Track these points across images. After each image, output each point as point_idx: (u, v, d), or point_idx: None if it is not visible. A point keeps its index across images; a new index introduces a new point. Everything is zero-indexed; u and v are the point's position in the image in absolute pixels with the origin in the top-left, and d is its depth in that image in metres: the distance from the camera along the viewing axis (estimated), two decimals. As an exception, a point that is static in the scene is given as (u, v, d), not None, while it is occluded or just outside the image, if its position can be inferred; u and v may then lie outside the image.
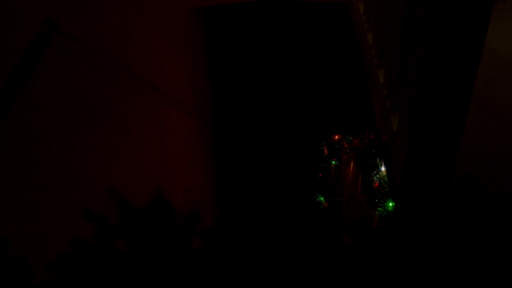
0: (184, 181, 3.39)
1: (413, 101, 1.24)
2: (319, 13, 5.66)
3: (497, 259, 1.34)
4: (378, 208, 2.22)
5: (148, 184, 2.47)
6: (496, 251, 1.36)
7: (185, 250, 2.25)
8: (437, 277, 1.39)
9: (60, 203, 1.51)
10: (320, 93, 6.42)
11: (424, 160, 1.25)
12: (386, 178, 2.28)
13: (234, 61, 6.06)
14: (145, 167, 2.45)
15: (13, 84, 1.26)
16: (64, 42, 1.53)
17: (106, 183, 1.91)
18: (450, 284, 1.36)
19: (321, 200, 6.08)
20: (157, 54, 2.85)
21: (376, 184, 2.27)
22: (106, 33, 1.98)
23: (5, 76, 1.26)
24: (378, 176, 2.32)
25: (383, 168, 2.37)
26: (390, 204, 2.13)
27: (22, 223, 1.30)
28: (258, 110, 6.53)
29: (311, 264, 3.89)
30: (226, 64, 5.91)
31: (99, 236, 1.75)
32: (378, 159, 2.43)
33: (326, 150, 4.50)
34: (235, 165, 6.23)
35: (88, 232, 1.70)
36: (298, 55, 6.32)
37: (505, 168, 1.57)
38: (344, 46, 5.80)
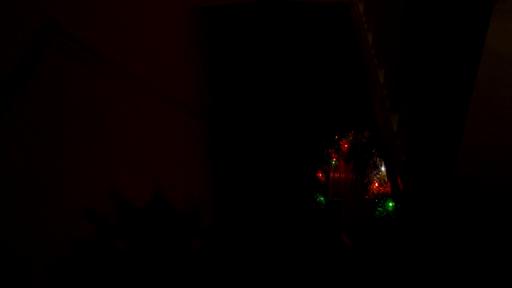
0: (184, 180, 3.39)
1: (413, 101, 1.24)
2: (319, 13, 5.66)
3: (497, 259, 1.34)
4: (378, 208, 2.23)
5: (148, 184, 2.47)
6: (496, 251, 1.36)
7: (185, 250, 2.25)
8: (437, 277, 1.39)
9: (60, 203, 1.51)
10: (320, 93, 6.43)
11: (424, 160, 1.25)
12: (386, 178, 2.28)
13: (234, 61, 6.07)
14: (145, 167, 2.45)
15: (13, 84, 1.26)
16: (64, 42, 1.53)
17: (106, 183, 1.91)
18: (450, 284, 1.36)
19: (321, 200, 6.09)
20: (157, 53, 2.85)
21: (376, 184, 2.27)
22: (106, 33, 1.98)
23: (5, 76, 1.26)
24: (378, 176, 2.32)
25: (383, 168, 2.37)
26: (390, 204, 2.13)
27: (22, 223, 1.30)
28: (258, 110, 6.53)
29: (311, 264, 3.89)
30: (226, 64, 5.92)
31: (99, 236, 1.75)
32: (378, 159, 2.43)
33: (326, 150, 4.50)
34: (235, 165, 6.23)
35: (88, 232, 1.70)
36: (298, 55, 6.33)
37: (505, 168, 1.57)
38: (344, 46, 5.81)
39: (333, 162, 4.95)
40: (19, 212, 1.29)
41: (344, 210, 4.49)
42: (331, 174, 5.40)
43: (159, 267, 2.06)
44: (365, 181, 2.39)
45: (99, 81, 1.86)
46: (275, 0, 5.13)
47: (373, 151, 2.54)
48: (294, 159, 6.62)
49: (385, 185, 2.23)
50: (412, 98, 1.26)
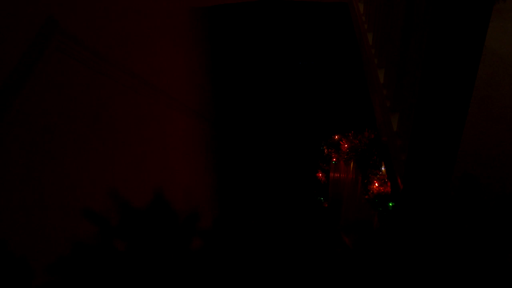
0: (184, 181, 3.39)
1: (413, 101, 1.24)
2: (319, 13, 5.66)
3: (497, 259, 1.34)
4: (378, 208, 2.23)
5: (148, 184, 2.47)
6: (496, 251, 1.36)
7: (185, 250, 2.25)
8: (437, 277, 1.39)
9: (60, 203, 1.51)
10: (320, 93, 6.43)
11: (424, 160, 1.25)
12: (386, 178, 2.28)
13: (235, 61, 6.07)
14: (145, 167, 2.45)
15: (13, 84, 1.26)
16: (64, 42, 1.53)
17: (106, 183, 1.91)
18: (450, 284, 1.36)
19: (321, 200, 6.08)
20: (157, 53, 2.85)
21: (376, 184, 2.27)
22: (106, 33, 1.98)
23: (5, 76, 1.26)
24: (378, 176, 2.32)
25: (383, 168, 2.37)
26: (390, 204, 2.13)
27: (22, 223, 1.30)
28: (258, 110, 6.53)
29: (311, 264, 3.89)
30: (226, 64, 5.92)
31: (99, 236, 1.75)
32: (378, 159, 2.44)
33: (326, 150, 4.50)
34: (235, 165, 6.23)
35: (88, 232, 1.70)
36: (298, 55, 6.32)
37: (505, 168, 1.57)
38: (344, 46, 5.80)
39: (333, 162, 4.95)
40: (19, 212, 1.29)
41: (344, 210, 4.49)
42: (331, 174, 5.39)
43: (159, 267, 2.06)
44: (365, 181, 2.39)
45: (99, 81, 1.86)
46: (275, 0, 5.13)
47: (373, 151, 2.54)
48: (294, 159, 6.61)
49: (385, 185, 2.23)
50: (412, 98, 1.26)
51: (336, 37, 5.84)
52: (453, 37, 1.02)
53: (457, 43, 1.02)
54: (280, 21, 5.83)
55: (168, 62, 3.14)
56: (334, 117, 6.15)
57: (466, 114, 1.15)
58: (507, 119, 1.81)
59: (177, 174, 3.17)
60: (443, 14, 0.99)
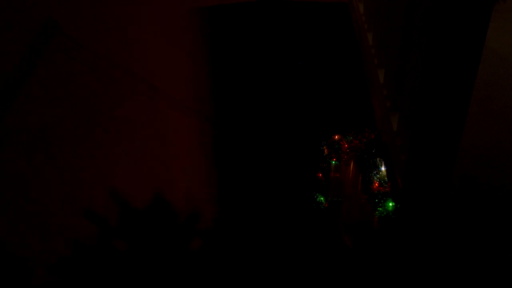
0: (185, 181, 3.39)
1: (413, 101, 1.24)
2: (319, 13, 5.66)
3: (498, 259, 1.34)
4: (378, 208, 2.22)
5: (149, 184, 2.46)
6: (496, 251, 1.36)
7: (185, 250, 2.25)
8: (437, 277, 1.39)
9: (60, 203, 1.51)
10: (320, 93, 6.42)
11: (424, 160, 1.25)
12: (386, 178, 2.28)
13: (235, 61, 6.07)
14: (145, 167, 2.45)
15: (13, 84, 1.26)
16: (65, 43, 1.53)
17: (106, 183, 1.91)
18: (450, 284, 1.36)
19: (321, 200, 6.07)
20: (157, 54, 2.85)
21: (376, 184, 2.27)
22: (106, 33, 1.98)
23: (5, 76, 1.26)
24: (378, 176, 2.32)
25: (383, 168, 2.36)
26: (390, 204, 2.13)
27: (22, 223, 1.30)
28: (258, 110, 6.53)
29: (311, 264, 3.89)
30: (226, 64, 5.91)
31: (99, 236, 1.75)
32: (378, 159, 2.43)
33: (326, 150, 4.49)
34: (235, 165, 6.23)
35: (88, 232, 1.70)
36: (298, 55, 6.32)
37: (505, 168, 1.57)
38: (344, 46, 5.80)
39: (333, 162, 4.95)
40: (19, 212, 1.29)
41: (344, 210, 4.49)
42: (331, 174, 5.39)
43: (159, 267, 2.06)
44: (365, 181, 2.39)
45: (99, 81, 1.86)
46: (275, 0, 5.13)
47: (373, 151, 2.54)
48: (294, 159, 6.61)
49: (385, 185, 2.23)
50: (412, 98, 1.26)
51: (336, 37, 5.84)
52: (453, 37, 1.02)
53: (457, 43, 1.02)
54: (280, 21, 5.83)
55: (169, 62, 3.14)
56: (334, 117, 6.15)
57: (466, 114, 1.15)
58: (507, 119, 1.81)
59: (177, 174, 3.17)
60: (443, 14, 0.99)
